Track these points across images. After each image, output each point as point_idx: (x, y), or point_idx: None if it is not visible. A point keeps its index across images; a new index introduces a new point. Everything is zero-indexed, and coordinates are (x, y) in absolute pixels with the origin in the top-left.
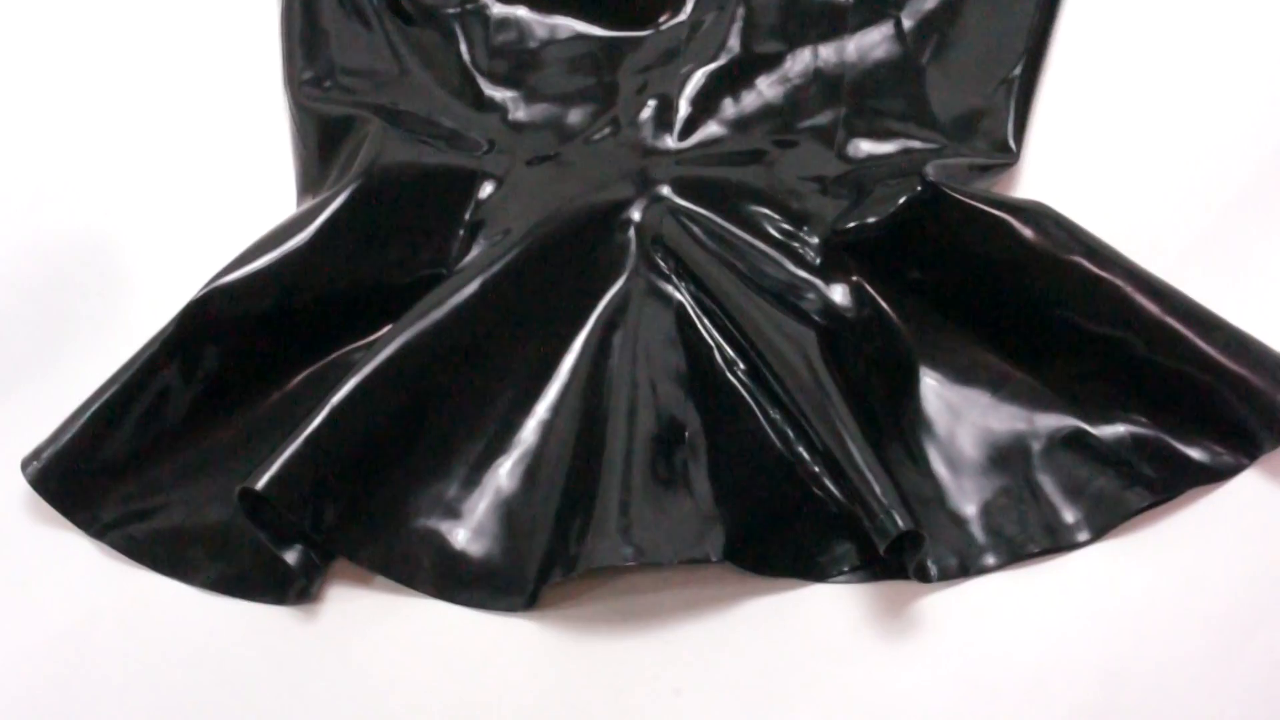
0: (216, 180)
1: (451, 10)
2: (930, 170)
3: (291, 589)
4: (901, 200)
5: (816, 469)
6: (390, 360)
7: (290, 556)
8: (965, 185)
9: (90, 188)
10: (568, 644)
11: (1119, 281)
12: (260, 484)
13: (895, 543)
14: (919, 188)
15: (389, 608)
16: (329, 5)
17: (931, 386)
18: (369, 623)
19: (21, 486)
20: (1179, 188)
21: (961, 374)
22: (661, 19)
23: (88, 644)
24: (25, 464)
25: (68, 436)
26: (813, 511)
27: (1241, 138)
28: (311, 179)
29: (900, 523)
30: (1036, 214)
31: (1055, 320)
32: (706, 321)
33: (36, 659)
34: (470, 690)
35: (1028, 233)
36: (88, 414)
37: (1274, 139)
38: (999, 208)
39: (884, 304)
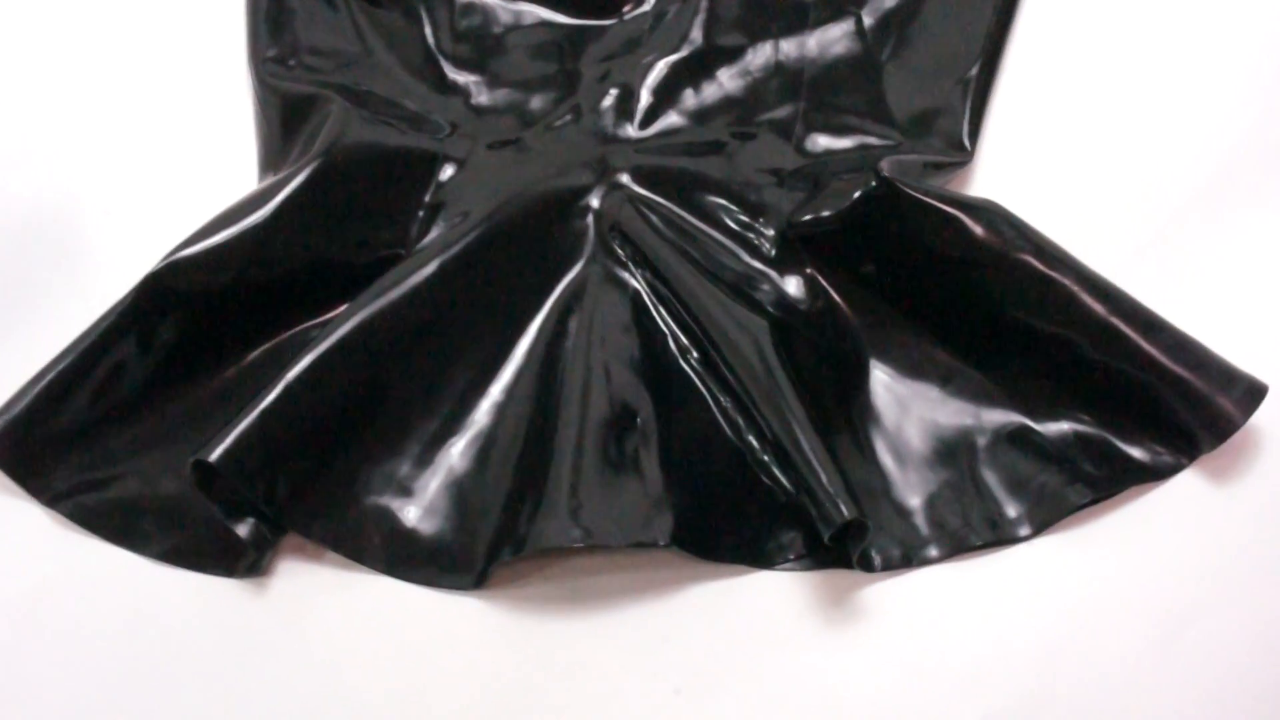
0: (178, 153)
1: None
2: (885, 166)
3: (242, 562)
4: (856, 195)
5: (765, 457)
6: (346, 338)
7: (241, 529)
8: (919, 182)
9: (49, 157)
10: (515, 623)
11: (1067, 281)
12: (213, 456)
13: (840, 532)
14: (874, 183)
15: (339, 583)
16: None
17: (881, 379)
18: (319, 597)
19: None
20: (1129, 188)
21: (911, 368)
22: (625, 9)
23: (37, 610)
24: None
25: (22, 405)
26: (760, 499)
27: (1192, 140)
28: (273, 156)
29: (845, 512)
30: (988, 212)
31: (1004, 318)
32: (662, 309)
33: None
34: (416, 666)
35: (979, 230)
36: (43, 382)
37: (1226, 140)
38: (951, 205)
39: (837, 297)
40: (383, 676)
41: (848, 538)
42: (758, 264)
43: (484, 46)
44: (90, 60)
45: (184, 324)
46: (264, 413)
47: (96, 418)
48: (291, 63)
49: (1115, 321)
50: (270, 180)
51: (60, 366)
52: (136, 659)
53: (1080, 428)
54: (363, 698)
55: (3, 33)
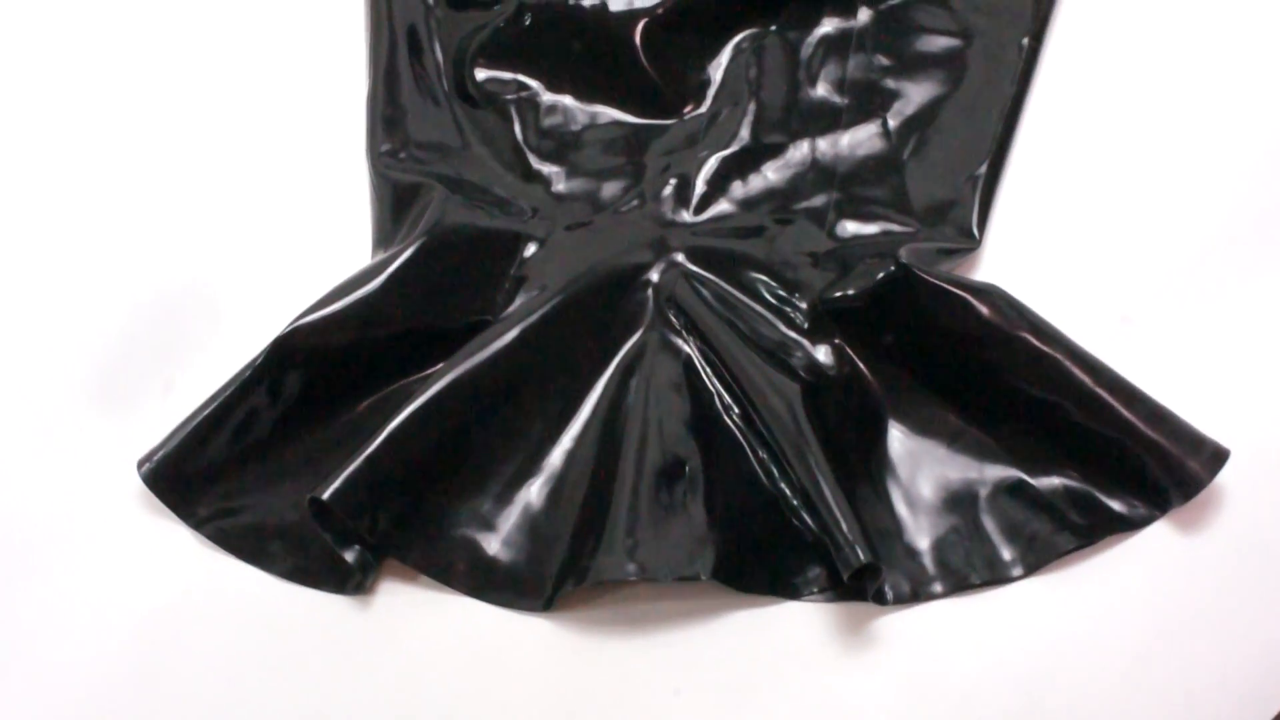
0: (305, 231)
1: (509, 96)
2: (904, 253)
3: (350, 582)
4: (879, 276)
5: (795, 503)
6: (440, 393)
7: (349, 555)
8: (932, 266)
9: (198, 235)
10: (578, 643)
11: (1059, 356)
12: (326, 495)
13: (857, 571)
14: (894, 267)
15: (429, 602)
16: (407, 85)
17: (897, 437)
18: (411, 613)
19: (136, 483)
20: (1116, 270)
21: (923, 427)
22: (685, 110)
23: (180, 617)
24: (140, 464)
25: (175, 443)
26: (791, 540)
27: (1171, 227)
28: (384, 235)
29: (862, 556)
30: (991, 295)
31: (1004, 386)
32: (709, 372)
33: (137, 628)
34: (490, 676)
35: (984, 310)
36: (192, 425)
37: (1206, 228)
38: (960, 288)
39: (861, 364)
40: (463, 682)
41: (864, 577)
42: (792, 334)
43: (563, 141)
44: (236, 150)
45: (306, 378)
46: (369, 457)
47: (234, 456)
48: (402, 155)
49: (1100, 392)
50: (381, 256)
51: (205, 412)
52: (259, 661)
53: (1068, 482)
54: (441, 697)
55: (161, 112)
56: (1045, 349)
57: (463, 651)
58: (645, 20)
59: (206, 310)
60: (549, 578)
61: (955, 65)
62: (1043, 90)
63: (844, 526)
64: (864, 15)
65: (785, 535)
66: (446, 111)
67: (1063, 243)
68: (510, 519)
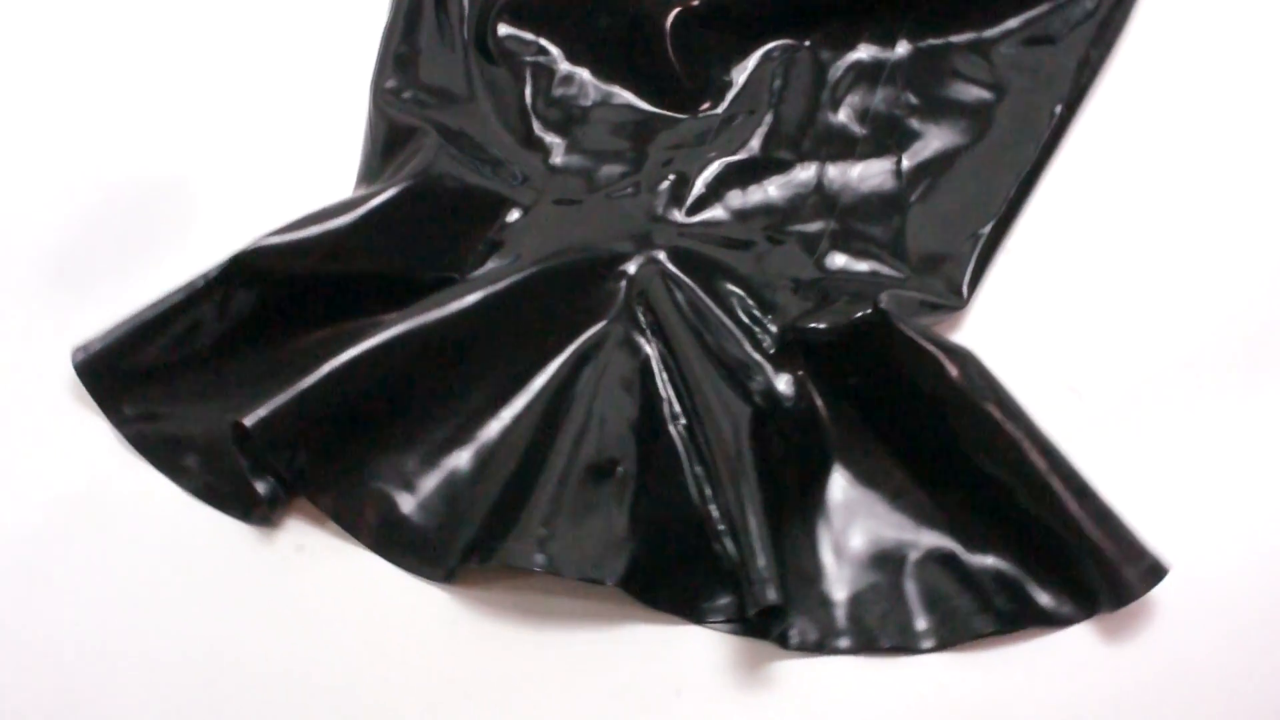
0: (298, 148)
1: (527, 58)
2: (884, 298)
3: (255, 512)
4: (855, 316)
5: (720, 528)
6: (388, 342)
7: (261, 485)
8: (911, 317)
9: (190, 131)
10: (462, 617)
11: (1018, 436)
12: (249, 421)
13: (764, 609)
14: (871, 311)
15: (331, 549)
16: (428, 26)
17: (839, 482)
18: (309, 557)
19: (69, 370)
20: (1098, 355)
21: (867, 477)
22: (701, 108)
23: (79, 511)
24: (75, 352)
25: (113, 338)
26: (708, 563)
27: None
28: (370, 171)
29: (771, 596)
30: (964, 359)
31: (957, 454)
32: (664, 377)
33: (34, 511)
34: (375, 635)
35: (953, 372)
36: (134, 324)
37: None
38: (934, 344)
39: (819, 401)
40: (342, 631)
41: (770, 616)
42: (757, 356)
43: (571, 114)
44: (241, 58)
45: (258, 299)
46: (302, 393)
47: (170, 362)
48: (405, 95)
49: (1052, 480)
50: (361, 192)
51: (149, 314)
52: (149, 571)
53: (1001, 565)
54: (320, 643)
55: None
56: (1006, 426)
57: (351, 605)
58: (680, 9)
59: (183, 207)
60: (456, 550)
61: (982, 118)
62: (1065, 161)
63: (760, 562)
64: (902, 48)
65: (703, 557)
66: (460, 60)
67: (1049, 320)
68: (431, 483)
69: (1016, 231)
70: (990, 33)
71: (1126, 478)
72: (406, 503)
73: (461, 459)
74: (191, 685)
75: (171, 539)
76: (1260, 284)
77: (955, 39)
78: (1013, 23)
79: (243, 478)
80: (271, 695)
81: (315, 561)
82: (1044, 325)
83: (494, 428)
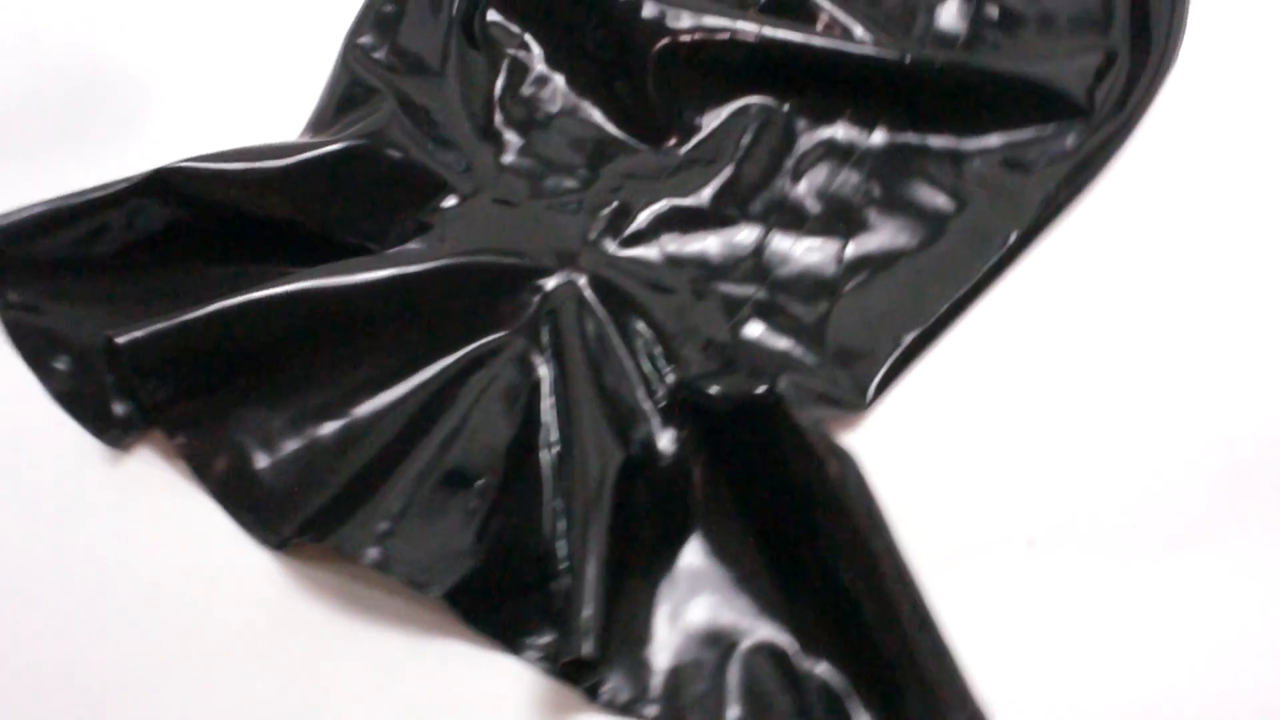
0: (260, 73)
1: (508, 49)
2: (784, 382)
3: (109, 433)
4: (751, 392)
5: (563, 566)
6: (286, 296)
7: (119, 407)
8: (806, 406)
9: (154, 28)
10: (279, 586)
11: (877, 551)
12: (122, 339)
13: (578, 660)
14: (766, 390)
15: (171, 487)
16: None
17: (693, 551)
18: (150, 492)
19: None
20: (997, 486)
21: (722, 552)
22: (664, 144)
23: None
24: None
25: (15, 219)
26: (540, 596)
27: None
28: (320, 121)
29: (585, 649)
30: (845, 462)
31: (816, 553)
32: (550, 402)
33: None
34: (179, 579)
35: (832, 472)
36: (40, 211)
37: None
38: (819, 441)
39: (695, 465)
40: (154, 574)
41: (584, 666)
42: (647, 405)
43: (535, 117)
44: None
45: (170, 219)
46: (184, 324)
47: (66, 258)
48: (376, 55)
49: (900, 604)
50: (305, 140)
51: (57, 206)
52: None
53: (829, 675)
54: (131, 576)
55: None
56: (870, 538)
57: (170, 549)
58: (668, 40)
59: (134, 104)
60: (296, 520)
61: (936, 226)
62: (1007, 287)
63: (586, 612)
64: (879, 137)
65: (537, 591)
66: (442, 33)
67: (944, 439)
68: (291, 446)
69: (938, 348)
70: (969, 145)
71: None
72: (261, 460)
73: (327, 430)
74: None
75: (15, 431)
76: (1217, 436)
77: (933, 142)
78: (993, 140)
79: (104, 394)
80: (55, 623)
81: (150, 498)
82: (937, 444)
83: (368, 408)
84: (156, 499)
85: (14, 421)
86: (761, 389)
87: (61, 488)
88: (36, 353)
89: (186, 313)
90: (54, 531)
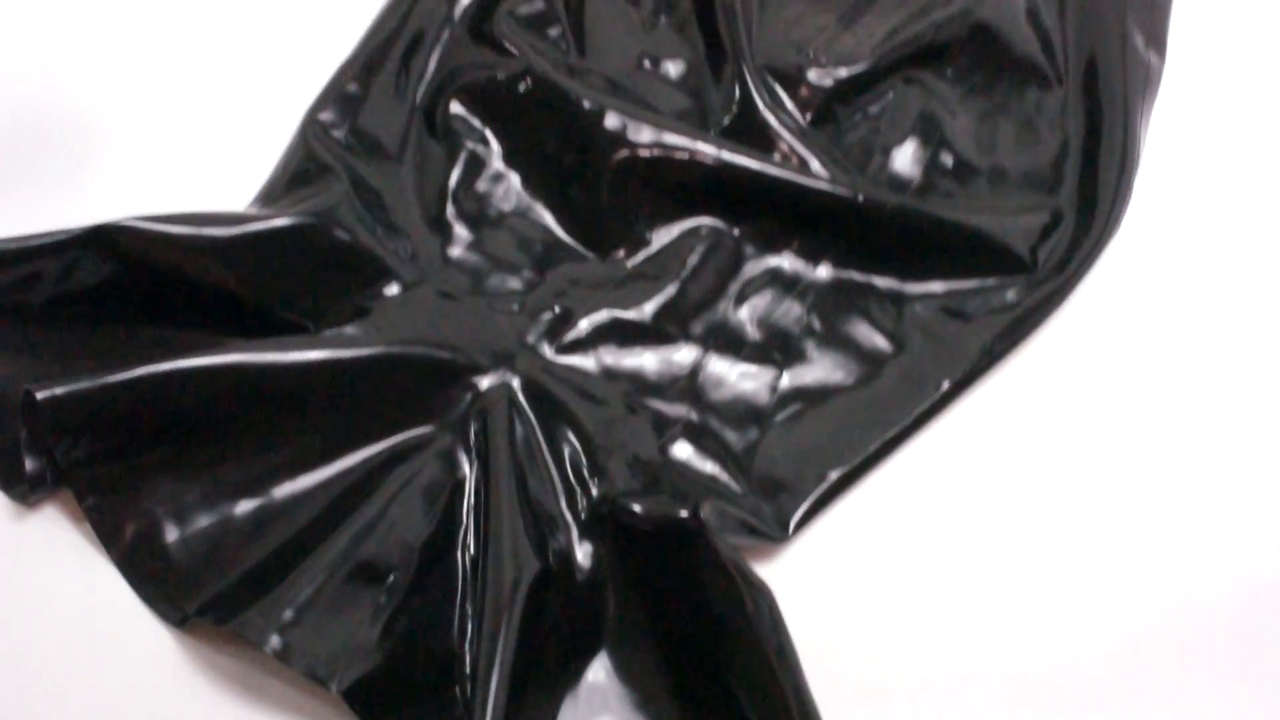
0: (207, 122)
1: (467, 143)
2: (708, 507)
3: (15, 489)
4: (672, 515)
5: (467, 671)
6: (215, 368)
7: (30, 462)
8: (727, 532)
9: (107, 74)
10: (175, 664)
11: (786, 686)
12: (41, 395)
13: None
14: (688, 516)
15: (74, 549)
16: (385, 75)
17: (600, 666)
18: (53, 549)
19: None
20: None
21: (626, 672)
22: (612, 255)
23: None
24: None
25: None
26: (441, 700)
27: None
28: (270, 194)
29: None
30: (760, 593)
31: (722, 682)
32: (470, 503)
33: None
34: (76, 648)
35: (747, 605)
36: None
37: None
38: (737, 570)
39: (609, 583)
40: (50, 638)
41: None
42: (568, 516)
43: (487, 213)
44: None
45: (104, 275)
46: (106, 385)
47: None
48: (335, 133)
49: None
50: (254, 210)
51: None
52: None
53: None
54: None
55: None
56: (778, 673)
57: (69, 612)
58: (627, 152)
59: (83, 149)
60: (199, 598)
61: (872, 367)
62: (933, 434)
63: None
64: (824, 271)
65: (439, 694)
66: (404, 119)
67: (860, 578)
68: (203, 522)
69: (861, 487)
70: (911, 288)
71: None
72: (171, 532)
73: (242, 509)
74: None
75: None
76: (1126, 605)
77: (877, 282)
78: (936, 286)
79: (15, 448)
80: None
81: (52, 559)
82: (852, 585)
83: (285, 490)
84: (58, 561)
85: None
86: (685, 512)
87: None
88: None
89: (111, 373)
90: None
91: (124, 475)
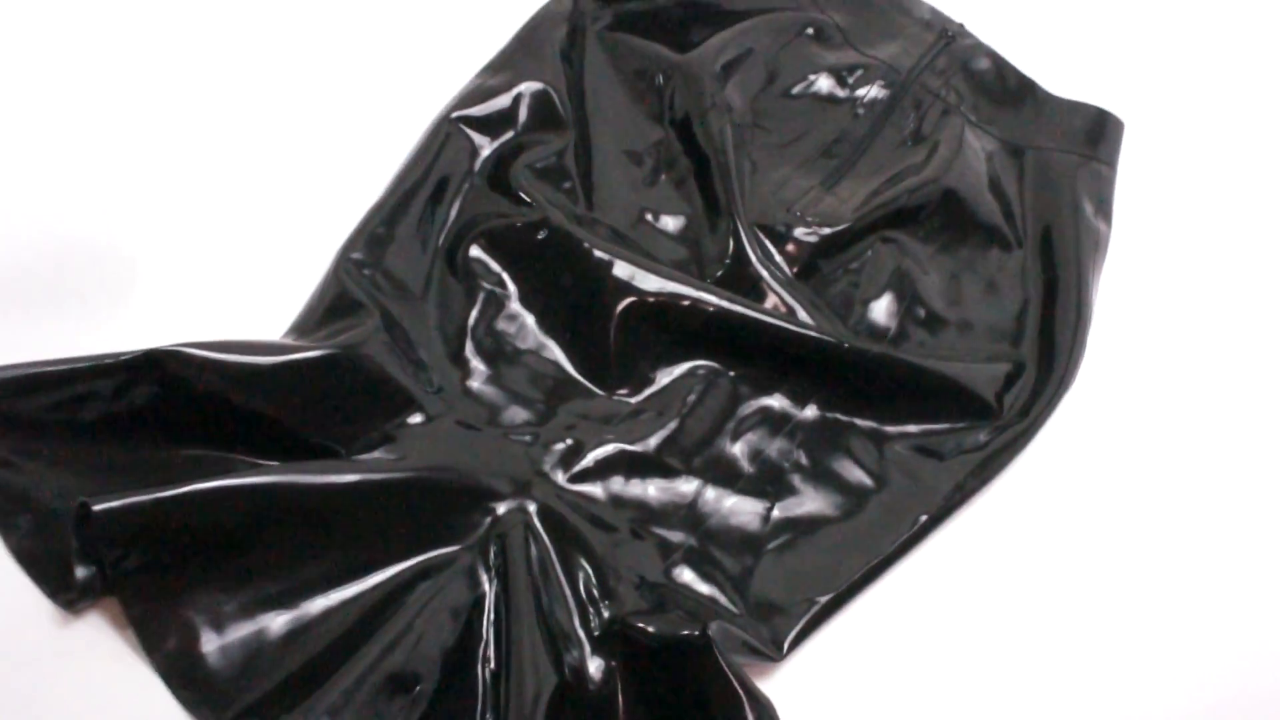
0: (243, 257)
1: (485, 285)
2: (713, 627)
3: (63, 596)
4: (682, 633)
5: None
6: (255, 487)
7: (80, 571)
8: (732, 651)
9: (144, 210)
10: None
11: None
12: (97, 507)
13: None
14: (697, 634)
15: (118, 657)
16: (410, 220)
17: None
18: (100, 653)
19: None
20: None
21: None
22: (619, 392)
23: None
24: None
25: (3, 377)
26: None
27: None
28: (305, 324)
29: None
30: (763, 707)
31: None
32: (490, 619)
33: None
34: None
35: (749, 716)
36: (31, 371)
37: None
38: (741, 685)
39: (620, 695)
40: None
41: None
42: (581, 632)
43: (504, 350)
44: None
45: (154, 397)
46: (159, 500)
47: (46, 421)
48: (366, 271)
49: None
50: (291, 341)
51: (50, 368)
52: None
53: None
54: None
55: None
56: None
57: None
58: (633, 300)
59: (123, 279)
60: (236, 706)
61: (856, 501)
62: (912, 562)
63: None
64: (810, 411)
65: None
66: (427, 262)
67: (850, 693)
68: (240, 633)
69: (850, 611)
70: (890, 429)
71: None
72: (210, 642)
73: (276, 622)
74: None
75: None
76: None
77: (859, 422)
78: (911, 428)
79: (66, 557)
80: None
81: (96, 664)
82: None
83: (318, 604)
84: (102, 666)
85: None
86: (694, 631)
87: (5, 644)
88: (1, 506)
89: (161, 490)
90: None
91: (167, 585)
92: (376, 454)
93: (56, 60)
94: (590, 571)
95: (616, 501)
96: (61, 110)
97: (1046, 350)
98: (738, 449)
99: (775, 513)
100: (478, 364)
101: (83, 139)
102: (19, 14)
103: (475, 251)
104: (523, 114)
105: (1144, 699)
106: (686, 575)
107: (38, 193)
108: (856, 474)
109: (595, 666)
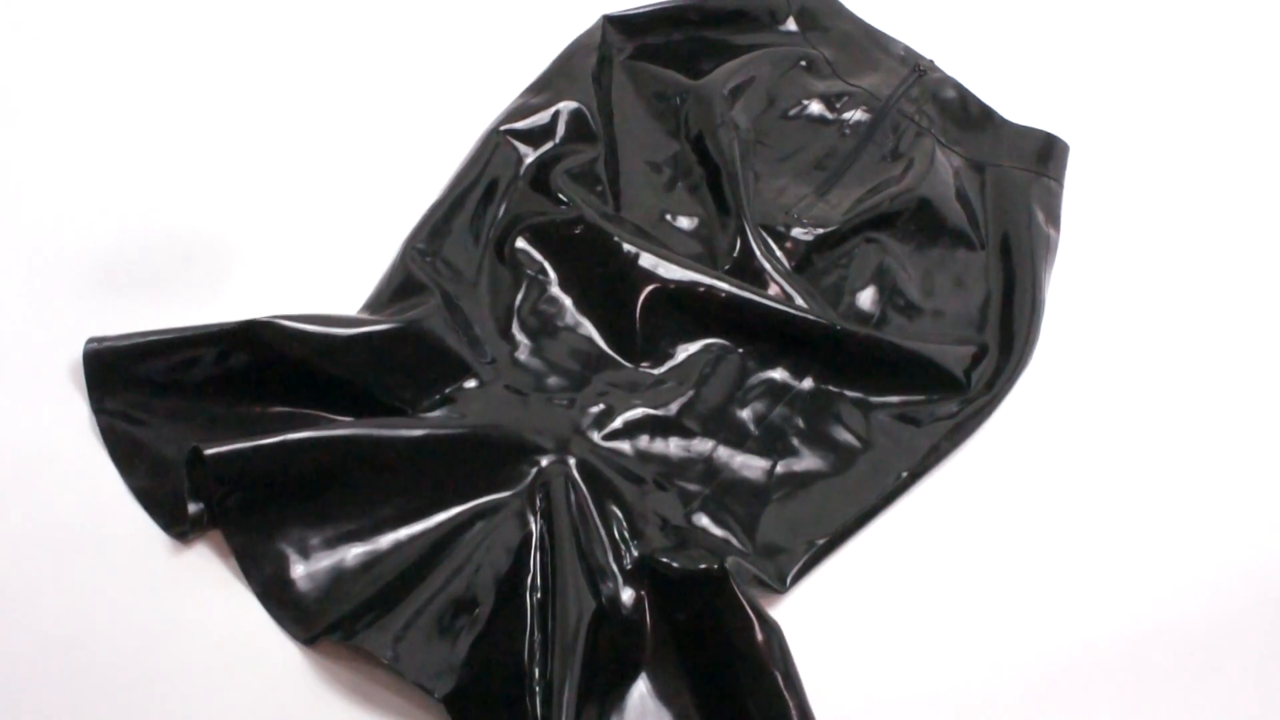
0: (324, 244)
1: (529, 272)
2: (729, 560)
3: (176, 527)
4: (701, 567)
5: (536, 688)
6: (338, 439)
7: (192, 507)
8: (745, 584)
9: (241, 199)
10: (305, 674)
11: (790, 704)
12: (209, 451)
13: None
14: (716, 567)
15: (221, 582)
16: (464, 215)
17: (640, 690)
18: (203, 580)
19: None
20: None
21: (663, 695)
22: (643, 364)
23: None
24: (89, 342)
25: (126, 342)
26: (517, 709)
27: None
28: (377, 303)
29: None
30: (771, 628)
31: (738, 702)
32: (538, 554)
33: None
34: (220, 656)
35: (758, 636)
36: (147, 338)
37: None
38: (754, 611)
39: (648, 621)
40: (199, 647)
41: None
42: (614, 567)
43: (546, 327)
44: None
45: (251, 361)
46: (260, 446)
47: (159, 380)
48: (428, 259)
49: None
50: (364, 316)
51: (163, 336)
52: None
53: None
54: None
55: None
56: (785, 693)
57: (215, 629)
58: (656, 286)
59: (221, 262)
60: (324, 622)
61: (845, 459)
62: (896, 511)
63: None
64: (807, 383)
65: (514, 703)
66: (479, 252)
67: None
68: (325, 562)
69: (845, 551)
70: (875, 399)
71: None
72: (299, 569)
73: (355, 552)
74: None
75: (88, 522)
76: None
77: (849, 393)
78: (893, 399)
79: (180, 495)
80: (106, 681)
81: (203, 588)
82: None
83: (389, 539)
84: (209, 589)
85: (93, 510)
86: (713, 565)
87: (127, 569)
88: (122, 452)
89: (259, 439)
90: (118, 605)
91: (263, 521)
92: (437, 413)
93: (175, 81)
94: (621, 516)
95: (643, 457)
96: (184, 126)
97: (1006, 335)
98: (745, 414)
99: (778, 469)
100: (523, 339)
101: (199, 151)
102: (142, 26)
103: (521, 244)
104: (561, 128)
105: (1094, 616)
106: (704, 520)
107: (158, 194)
108: (846, 437)
109: (627, 596)
